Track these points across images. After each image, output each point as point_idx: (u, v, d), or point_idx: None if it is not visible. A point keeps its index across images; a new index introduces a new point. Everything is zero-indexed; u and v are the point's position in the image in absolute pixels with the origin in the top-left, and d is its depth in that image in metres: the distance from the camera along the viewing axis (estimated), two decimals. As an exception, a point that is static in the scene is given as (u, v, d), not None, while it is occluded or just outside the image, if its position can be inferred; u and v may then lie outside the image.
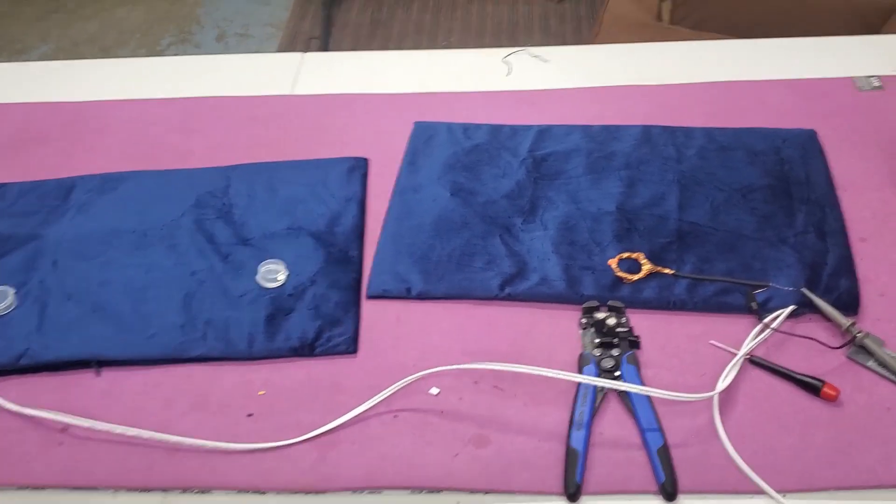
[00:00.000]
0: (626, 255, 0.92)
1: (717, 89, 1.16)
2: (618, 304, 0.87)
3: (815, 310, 0.85)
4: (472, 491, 0.76)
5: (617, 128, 1.09)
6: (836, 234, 0.93)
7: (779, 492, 0.73)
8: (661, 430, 0.77)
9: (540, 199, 1.00)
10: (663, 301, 0.88)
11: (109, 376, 0.87)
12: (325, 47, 2.79)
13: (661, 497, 0.74)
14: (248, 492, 0.78)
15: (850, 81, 1.15)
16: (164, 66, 1.31)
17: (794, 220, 0.95)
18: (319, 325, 0.89)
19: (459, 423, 0.81)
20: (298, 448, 0.80)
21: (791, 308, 0.85)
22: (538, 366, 0.80)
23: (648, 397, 0.79)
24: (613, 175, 1.02)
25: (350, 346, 0.88)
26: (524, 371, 0.79)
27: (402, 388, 0.82)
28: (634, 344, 0.84)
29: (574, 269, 0.92)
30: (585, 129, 1.09)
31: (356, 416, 0.81)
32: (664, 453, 0.75)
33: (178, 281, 0.95)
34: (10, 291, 0.94)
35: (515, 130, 1.11)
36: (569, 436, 0.77)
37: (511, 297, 0.91)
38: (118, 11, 3.14)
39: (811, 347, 0.83)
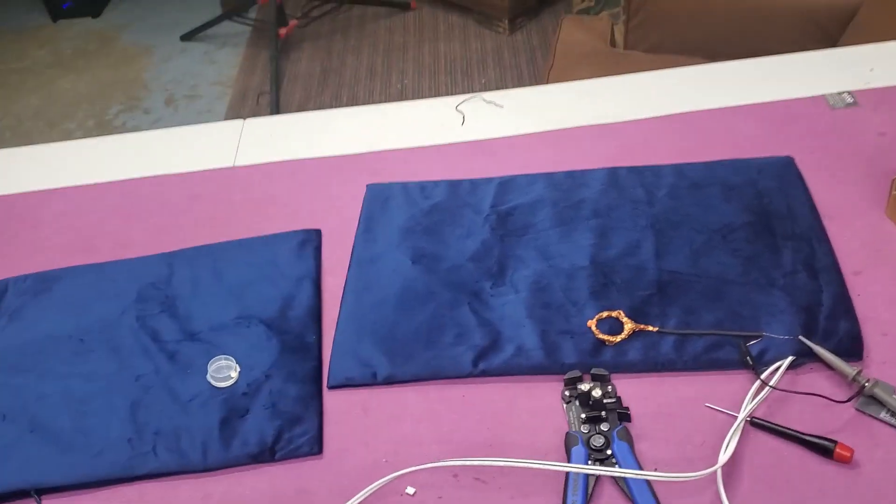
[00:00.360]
0: (605, 314, 0.85)
1: (683, 121, 1.10)
2: (602, 371, 0.80)
3: (817, 358, 0.78)
4: None
5: (582, 173, 1.02)
6: (827, 270, 0.86)
7: (801, 574, 0.66)
8: (663, 514, 0.69)
9: (508, 258, 0.93)
10: (650, 362, 0.81)
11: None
12: (275, 101, 2.73)
13: (671, 593, 0.66)
14: None
15: (823, 100, 1.09)
16: (96, 148, 1.23)
17: (781, 259, 0.88)
18: (279, 425, 0.81)
19: (442, 527, 0.73)
20: (264, 572, 0.72)
21: (790, 359, 0.78)
22: (521, 451, 0.73)
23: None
24: (583, 225, 0.95)
25: (314, 447, 0.80)
26: (507, 465, 0.71)
27: (374, 491, 0.75)
28: (624, 416, 0.77)
29: (551, 334, 0.84)
30: (549, 178, 1.03)
31: (326, 527, 0.73)
32: (670, 543, 0.67)
33: (123, 388, 0.86)
34: (-63, 418, 0.85)
35: (476, 185, 1.04)
36: (563, 531, 0.69)
37: (486, 373, 0.83)
38: (62, 83, 3.07)
39: (817, 402, 0.76)
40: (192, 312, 0.94)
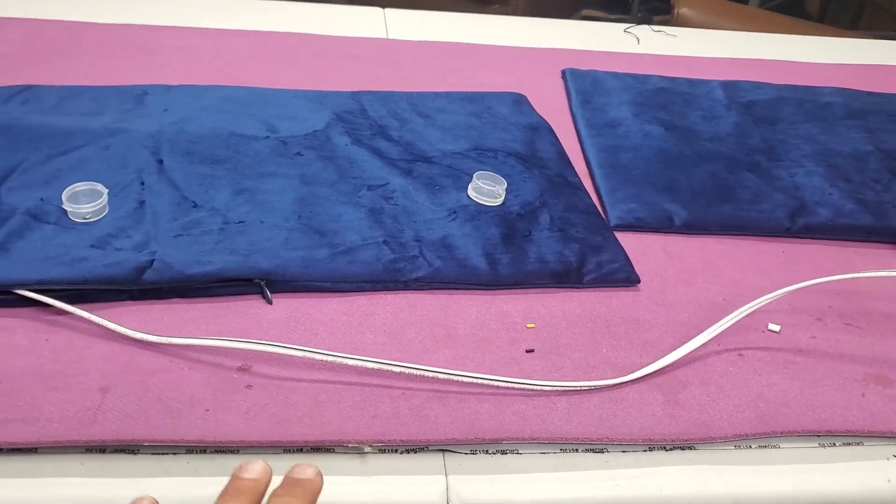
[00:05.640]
0: (925, 190, 0.75)
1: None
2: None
3: None
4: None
5: (812, 88, 0.94)
6: None
7: None
8: None
9: (773, 140, 0.82)
10: None
11: (286, 305, 0.58)
12: None
13: None
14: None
15: None
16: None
17: None
18: (578, 248, 0.65)
19: (842, 364, 0.59)
20: (633, 388, 0.55)
21: None
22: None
23: None
24: (841, 124, 0.86)
25: (631, 275, 0.64)
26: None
27: (730, 325, 0.59)
28: None
29: (869, 203, 0.73)
30: (779, 86, 0.93)
31: (690, 353, 0.57)
32: None
33: (352, 195, 0.68)
34: (104, 191, 0.63)
35: (693, 83, 0.93)
36: None
37: (808, 231, 0.71)
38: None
39: None
40: (413, 141, 0.76)
